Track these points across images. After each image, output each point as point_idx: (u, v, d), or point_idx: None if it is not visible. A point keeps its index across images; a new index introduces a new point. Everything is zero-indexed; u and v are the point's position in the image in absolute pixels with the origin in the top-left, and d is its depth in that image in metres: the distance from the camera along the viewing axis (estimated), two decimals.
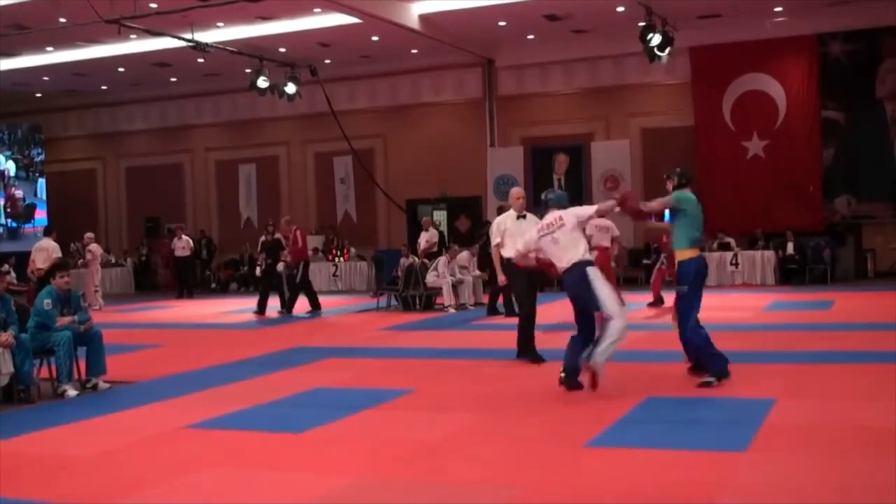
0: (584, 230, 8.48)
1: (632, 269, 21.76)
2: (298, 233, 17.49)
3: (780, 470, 5.71)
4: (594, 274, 8.19)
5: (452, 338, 13.28)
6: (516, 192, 10.90)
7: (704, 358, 8.48)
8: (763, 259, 20.39)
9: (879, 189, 20.76)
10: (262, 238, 18.26)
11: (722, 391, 8.21)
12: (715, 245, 21.03)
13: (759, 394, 7.96)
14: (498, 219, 10.71)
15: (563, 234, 8.33)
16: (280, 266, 17.38)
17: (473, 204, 23.89)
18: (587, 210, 8.56)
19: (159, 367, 11.12)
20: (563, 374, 8.32)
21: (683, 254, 8.54)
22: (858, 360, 9.67)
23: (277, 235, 17.82)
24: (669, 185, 8.83)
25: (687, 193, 8.68)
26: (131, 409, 8.43)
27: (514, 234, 10.14)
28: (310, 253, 19.49)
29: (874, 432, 6.52)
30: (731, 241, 20.99)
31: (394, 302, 17.85)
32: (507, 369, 9.91)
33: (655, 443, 6.46)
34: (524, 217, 10.39)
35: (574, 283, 8.27)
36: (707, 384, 8.30)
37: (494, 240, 10.42)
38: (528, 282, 10.17)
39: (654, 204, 8.82)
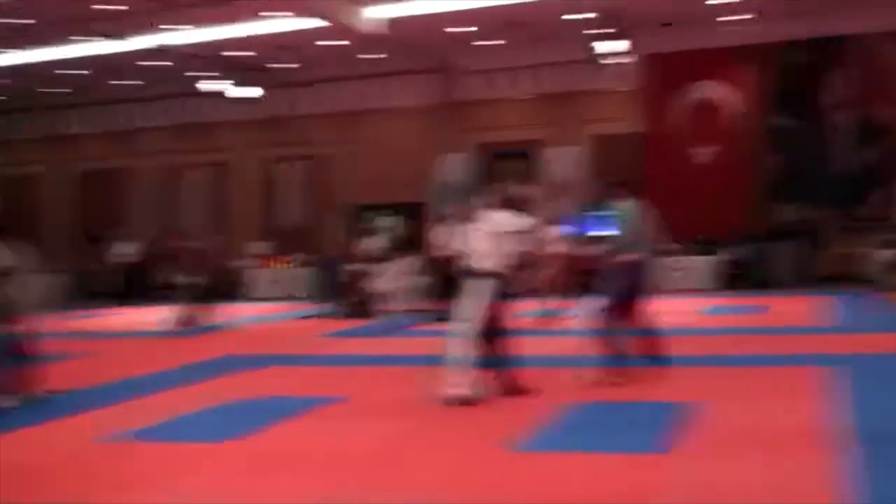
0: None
1: None
2: (208, 240, 17.22)
3: (707, 471, 5.74)
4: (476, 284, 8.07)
5: (392, 344, 13.24)
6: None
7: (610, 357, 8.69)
8: (706, 264, 20.56)
9: (823, 196, 21.02)
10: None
11: (652, 394, 8.25)
12: (660, 250, 21.12)
13: (688, 397, 7.99)
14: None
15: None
16: (180, 275, 16.84)
17: (421, 209, 23.84)
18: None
19: (92, 375, 10.92)
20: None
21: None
22: (787, 362, 9.76)
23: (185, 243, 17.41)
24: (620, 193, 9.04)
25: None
26: (59, 420, 8.25)
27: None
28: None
29: (800, 434, 6.58)
30: (676, 246, 21.11)
31: (336, 308, 17.75)
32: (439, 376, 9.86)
33: (583, 446, 6.48)
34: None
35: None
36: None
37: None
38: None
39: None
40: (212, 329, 16.33)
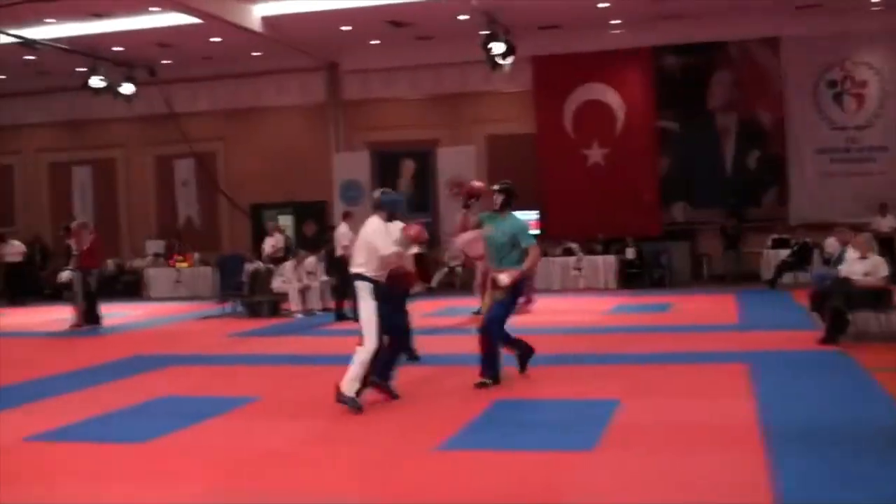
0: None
1: None
2: (92, 238, 16.60)
3: (627, 468, 5.85)
4: (360, 290, 8.00)
5: (300, 344, 13.12)
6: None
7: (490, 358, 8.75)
8: (605, 264, 20.91)
9: (712, 196, 21.59)
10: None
11: (568, 393, 8.37)
12: (558, 251, 21.48)
13: (603, 394, 8.15)
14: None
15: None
16: (65, 274, 16.26)
17: (319, 208, 23.67)
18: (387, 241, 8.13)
19: None
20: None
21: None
22: (696, 360, 10.01)
23: (69, 241, 16.80)
24: (498, 200, 9.12)
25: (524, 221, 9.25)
26: None
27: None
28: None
29: (714, 429, 6.76)
30: (574, 246, 21.46)
31: (239, 308, 17.51)
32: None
33: (504, 445, 6.53)
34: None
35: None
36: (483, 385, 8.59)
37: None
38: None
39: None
40: (115, 329, 15.94)
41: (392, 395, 8.29)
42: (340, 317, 15.44)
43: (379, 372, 8.20)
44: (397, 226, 8.31)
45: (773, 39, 21.18)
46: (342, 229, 15.02)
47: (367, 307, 7.90)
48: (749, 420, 6.93)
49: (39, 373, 10.80)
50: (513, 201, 9.18)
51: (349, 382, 7.80)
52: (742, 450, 6.10)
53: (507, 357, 9.03)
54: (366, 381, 7.98)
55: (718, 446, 6.25)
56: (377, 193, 8.52)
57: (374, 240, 7.99)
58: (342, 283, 15.18)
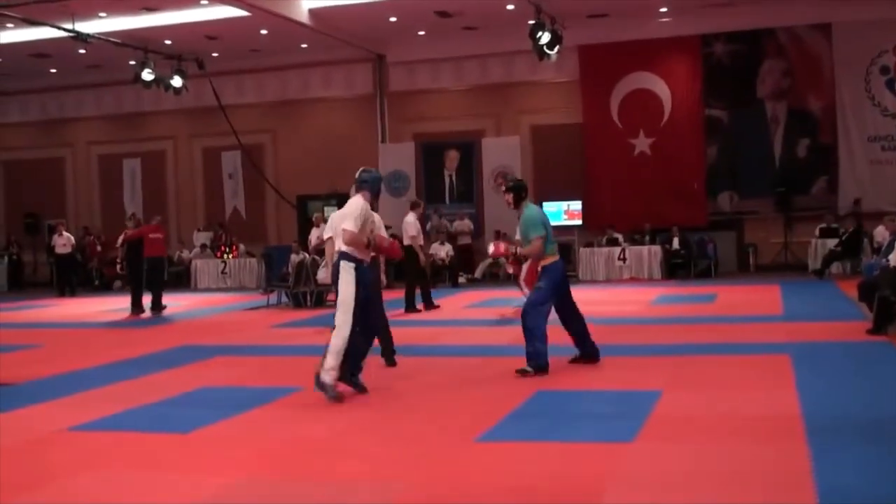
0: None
1: None
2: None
3: (668, 459, 5.81)
4: (344, 270, 7.91)
5: None
6: None
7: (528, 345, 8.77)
8: (650, 254, 20.78)
9: (760, 185, 21.38)
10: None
11: (610, 384, 8.34)
12: (603, 240, 21.39)
13: (645, 385, 8.10)
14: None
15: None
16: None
17: None
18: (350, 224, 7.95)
19: (41, 367, 10.74)
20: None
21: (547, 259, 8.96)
22: (740, 351, 9.91)
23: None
24: (509, 199, 9.15)
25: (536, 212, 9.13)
26: (11, 412, 8.10)
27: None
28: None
29: (756, 420, 6.70)
30: (619, 236, 21.37)
31: (284, 299, 17.64)
32: (397, 365, 9.85)
33: (545, 436, 6.51)
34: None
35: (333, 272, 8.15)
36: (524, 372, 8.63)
37: (327, 233, 9.58)
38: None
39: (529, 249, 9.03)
40: (163, 320, 16.16)
41: (361, 390, 8.21)
42: (411, 307, 15.41)
43: (350, 366, 8.08)
44: (377, 218, 8.35)
45: (824, 25, 20.90)
46: (409, 219, 14.99)
47: (348, 289, 7.79)
48: (792, 411, 6.85)
49: (88, 363, 10.96)
50: (525, 195, 9.21)
51: (326, 372, 7.72)
52: (784, 442, 6.03)
53: (557, 348, 9.02)
54: (341, 371, 7.93)
55: (760, 438, 6.19)
56: (358, 172, 8.32)
57: (344, 222, 7.90)
58: (409, 273, 15.30)
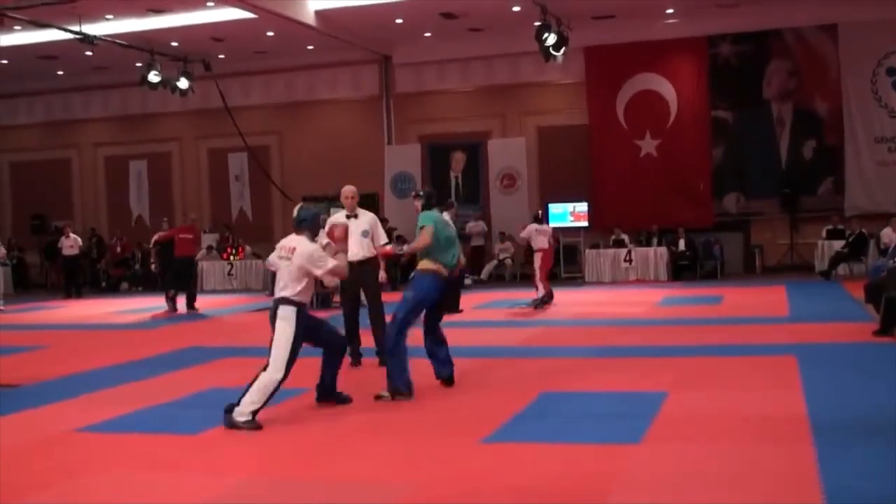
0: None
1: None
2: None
3: (674, 460, 5.82)
4: (283, 314, 7.45)
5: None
6: (347, 190, 10.01)
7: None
8: (656, 255, 20.78)
9: (767, 186, 21.37)
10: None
11: (615, 385, 8.35)
12: (610, 242, 21.40)
13: (651, 387, 8.10)
14: (330, 219, 9.84)
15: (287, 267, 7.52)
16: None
17: (371, 201, 23.70)
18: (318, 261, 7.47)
19: (47, 368, 10.76)
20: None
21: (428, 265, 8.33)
22: (746, 352, 9.91)
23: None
24: (418, 204, 8.69)
25: (433, 213, 8.52)
26: (19, 413, 8.14)
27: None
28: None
29: (762, 421, 6.70)
30: (625, 237, 21.36)
31: None
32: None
33: (551, 437, 6.52)
34: (355, 216, 9.83)
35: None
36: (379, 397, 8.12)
37: (323, 240, 9.10)
38: (349, 287, 9.79)
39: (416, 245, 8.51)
40: (171, 321, 16.22)
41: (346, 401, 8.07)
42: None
43: (329, 392, 7.96)
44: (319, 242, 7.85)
45: (830, 26, 20.88)
46: (445, 217, 14.96)
47: (285, 334, 7.36)
48: (798, 412, 6.85)
49: (95, 364, 10.99)
50: (432, 204, 8.70)
51: (246, 406, 7.20)
52: (790, 443, 6.04)
53: (558, 349, 9.01)
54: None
55: (767, 439, 6.19)
56: (297, 209, 7.84)
57: (307, 263, 7.42)
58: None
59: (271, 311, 7.51)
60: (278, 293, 7.46)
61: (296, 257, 7.38)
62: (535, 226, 15.90)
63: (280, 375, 7.28)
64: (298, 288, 7.41)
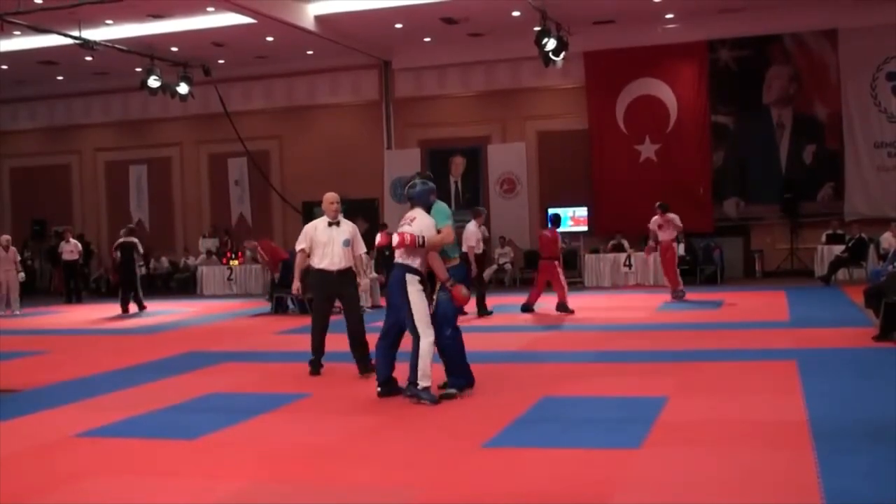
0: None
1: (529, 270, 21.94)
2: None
3: (674, 465, 5.81)
4: (411, 281, 7.95)
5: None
6: (330, 196, 9.97)
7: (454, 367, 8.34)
8: (656, 260, 20.70)
9: (767, 191, 21.37)
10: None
11: (615, 390, 8.34)
12: (609, 246, 21.39)
13: (651, 392, 8.11)
14: (308, 225, 9.98)
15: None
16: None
17: (370, 206, 23.80)
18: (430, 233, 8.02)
19: (47, 373, 10.77)
20: (379, 389, 8.31)
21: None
22: (746, 357, 9.91)
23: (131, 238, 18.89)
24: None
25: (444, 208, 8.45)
26: (18, 418, 8.13)
27: (322, 242, 9.68)
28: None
29: (763, 426, 6.70)
30: (625, 242, 21.36)
31: (290, 305, 17.64)
32: (403, 372, 9.84)
33: (552, 442, 6.51)
34: (337, 224, 9.79)
35: (392, 283, 8.13)
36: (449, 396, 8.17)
37: (299, 245, 9.82)
38: (326, 296, 9.87)
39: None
40: (169, 326, 16.20)
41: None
42: (484, 312, 15.43)
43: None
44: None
45: (830, 31, 20.89)
46: (470, 227, 15.07)
47: (421, 301, 7.94)
48: (798, 417, 6.85)
49: (94, 369, 10.99)
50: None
51: (422, 379, 7.87)
52: (791, 448, 6.04)
53: (559, 353, 9.00)
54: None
55: (767, 444, 6.19)
56: (406, 188, 8.39)
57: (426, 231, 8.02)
58: (479, 280, 15.40)
59: (394, 275, 8.03)
60: (400, 259, 8.02)
61: (415, 225, 7.96)
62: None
63: (432, 337, 7.89)
64: (419, 259, 7.98)
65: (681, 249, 20.70)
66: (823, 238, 20.34)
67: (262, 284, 22.29)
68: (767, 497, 5.12)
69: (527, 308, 15.69)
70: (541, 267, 15.97)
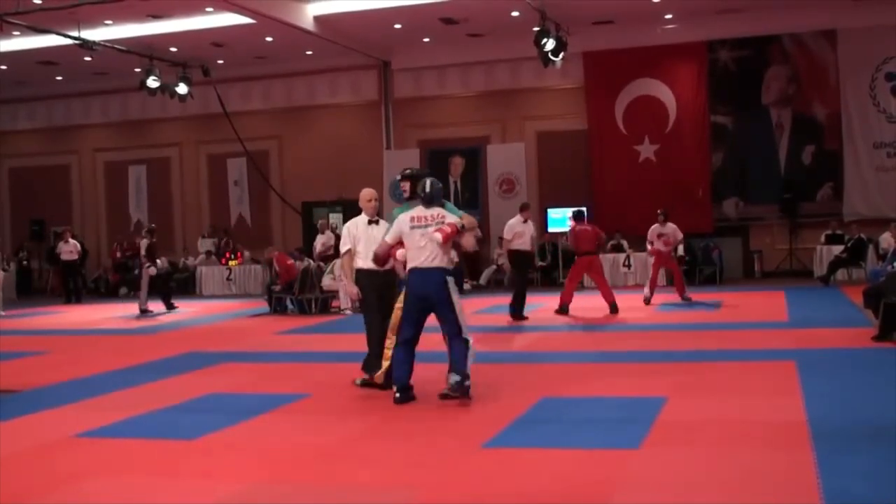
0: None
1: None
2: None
3: (674, 466, 5.82)
4: (452, 285, 8.01)
5: (348, 341, 13.12)
6: (367, 193, 9.44)
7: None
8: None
9: (766, 192, 21.39)
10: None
11: (615, 390, 8.35)
12: (608, 246, 21.39)
13: (650, 392, 8.10)
14: (348, 224, 9.35)
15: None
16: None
17: None
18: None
19: (47, 373, 10.77)
20: (398, 395, 8.04)
21: None
22: (745, 357, 9.92)
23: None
24: (406, 186, 8.85)
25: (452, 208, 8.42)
26: (19, 418, 8.13)
27: (365, 240, 9.05)
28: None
29: (762, 426, 6.70)
30: (624, 242, 21.36)
31: (290, 306, 17.65)
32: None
33: (551, 442, 6.52)
34: (376, 222, 9.17)
35: (428, 285, 7.97)
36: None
37: (345, 246, 9.18)
38: (379, 294, 8.92)
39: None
40: (169, 326, 16.21)
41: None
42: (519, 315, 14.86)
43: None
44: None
45: (829, 32, 20.91)
46: (511, 221, 14.83)
47: (460, 301, 8.03)
48: (798, 418, 6.85)
49: (94, 369, 10.99)
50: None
51: (470, 373, 7.91)
52: (790, 448, 6.04)
53: (559, 354, 9.01)
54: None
55: (766, 444, 6.19)
56: (421, 186, 8.26)
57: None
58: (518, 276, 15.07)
59: (434, 280, 7.93)
60: (433, 264, 7.95)
61: (449, 220, 8.00)
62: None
63: (472, 337, 7.98)
64: (447, 257, 8.05)
65: (680, 250, 20.72)
66: (822, 238, 20.34)
67: (262, 284, 22.29)
68: (767, 497, 5.13)
69: (562, 310, 14.95)
70: (579, 263, 15.49)
